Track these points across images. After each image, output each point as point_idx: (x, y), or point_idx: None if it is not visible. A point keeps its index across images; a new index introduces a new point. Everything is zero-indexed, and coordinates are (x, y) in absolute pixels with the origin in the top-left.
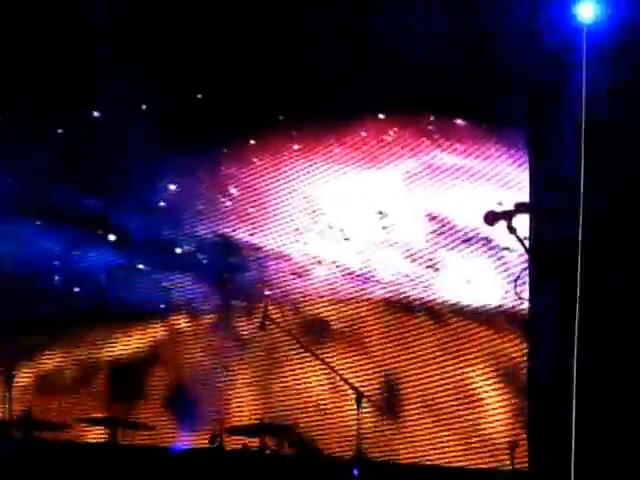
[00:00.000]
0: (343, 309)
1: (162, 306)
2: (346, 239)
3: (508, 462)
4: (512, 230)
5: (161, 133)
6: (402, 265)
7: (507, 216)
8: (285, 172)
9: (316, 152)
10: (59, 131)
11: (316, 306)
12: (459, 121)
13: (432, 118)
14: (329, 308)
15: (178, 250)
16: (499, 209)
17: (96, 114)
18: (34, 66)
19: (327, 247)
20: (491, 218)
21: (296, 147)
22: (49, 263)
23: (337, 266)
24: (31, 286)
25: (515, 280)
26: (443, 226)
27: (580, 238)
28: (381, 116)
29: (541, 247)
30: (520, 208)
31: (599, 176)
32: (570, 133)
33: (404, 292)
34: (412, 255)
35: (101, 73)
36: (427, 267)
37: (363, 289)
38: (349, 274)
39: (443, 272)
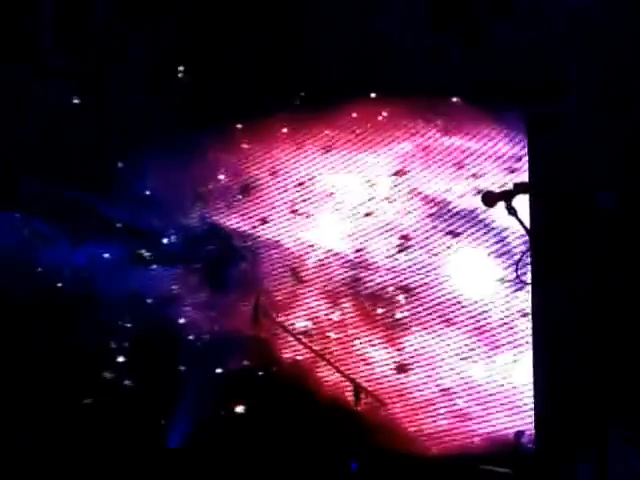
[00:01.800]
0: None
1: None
2: (340, 224)
3: None
4: (512, 211)
5: (146, 119)
6: (397, 250)
7: (506, 197)
8: (275, 156)
9: (306, 135)
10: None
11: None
12: (455, 99)
13: (426, 97)
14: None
15: (165, 240)
16: (498, 190)
17: (76, 101)
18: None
19: (320, 233)
20: (489, 199)
21: (285, 130)
22: (31, 256)
23: (332, 253)
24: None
25: (516, 264)
26: (440, 209)
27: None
28: (373, 95)
29: (541, 228)
30: (519, 188)
31: (599, 156)
32: (570, 111)
33: (400, 278)
34: (408, 240)
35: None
36: (424, 252)
37: (358, 276)
38: (344, 261)
39: (441, 257)
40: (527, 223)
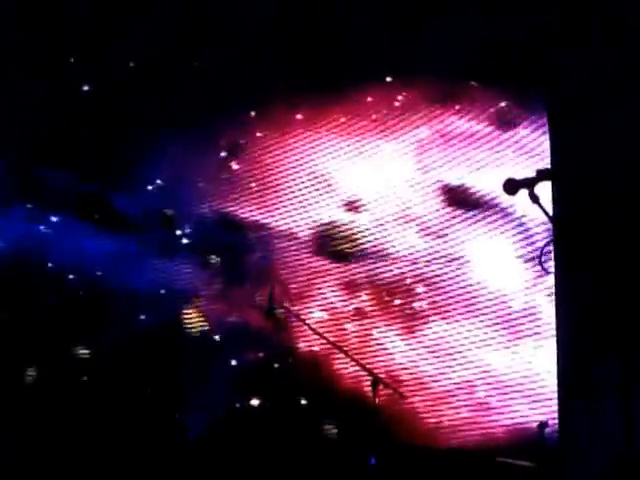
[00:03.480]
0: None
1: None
2: (357, 214)
3: None
4: (534, 199)
5: (157, 108)
6: (417, 240)
7: (529, 184)
8: (289, 144)
9: (321, 122)
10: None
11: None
12: (473, 83)
13: (443, 80)
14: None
15: (178, 232)
16: (519, 177)
17: (86, 88)
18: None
19: (337, 223)
20: (511, 186)
21: (299, 117)
22: (44, 249)
23: (349, 243)
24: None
25: (540, 253)
26: (459, 197)
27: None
28: (388, 79)
29: (565, 216)
30: (542, 175)
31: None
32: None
33: (419, 268)
34: (427, 229)
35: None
36: (443, 241)
37: (376, 265)
38: (362, 251)
39: (460, 246)
40: (550, 210)
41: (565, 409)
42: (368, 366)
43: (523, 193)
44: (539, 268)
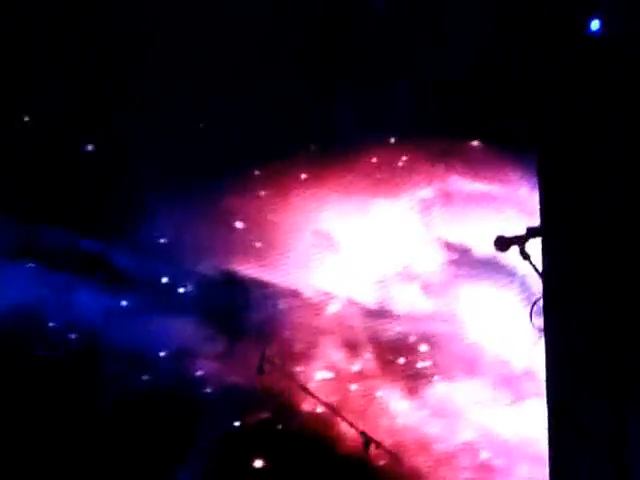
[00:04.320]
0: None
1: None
2: (359, 272)
3: None
4: (525, 256)
5: (160, 165)
6: (419, 298)
7: (519, 241)
8: (293, 203)
9: (325, 181)
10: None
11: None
12: (475, 143)
13: (446, 141)
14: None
15: (180, 290)
16: (511, 234)
17: (89, 148)
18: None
19: (340, 281)
20: (502, 244)
21: (304, 176)
22: (43, 308)
23: (351, 302)
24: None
25: (531, 308)
26: (461, 256)
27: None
28: (392, 140)
29: (554, 273)
30: (532, 232)
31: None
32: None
33: (422, 327)
34: (429, 287)
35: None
36: (446, 300)
37: (379, 325)
38: (364, 309)
39: (462, 305)
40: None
41: (556, 459)
42: (371, 427)
43: (515, 250)
44: (531, 324)
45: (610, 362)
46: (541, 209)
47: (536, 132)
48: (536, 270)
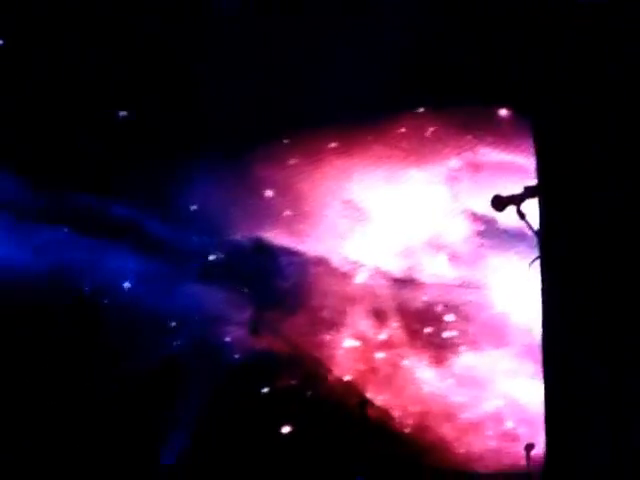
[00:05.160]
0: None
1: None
2: (387, 241)
3: None
4: (522, 215)
5: (192, 134)
6: (445, 268)
7: (516, 201)
8: (322, 172)
9: (354, 150)
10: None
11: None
12: (503, 112)
13: (474, 110)
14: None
15: (211, 257)
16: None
17: (123, 114)
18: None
19: (368, 251)
20: (499, 203)
21: (333, 145)
22: (79, 274)
23: (378, 271)
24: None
25: (529, 267)
26: (488, 226)
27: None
28: (421, 110)
29: (550, 232)
30: (529, 192)
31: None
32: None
33: (448, 296)
34: (455, 257)
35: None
36: (472, 270)
37: (406, 294)
38: (391, 279)
39: (488, 274)
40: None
41: (552, 439)
42: (397, 395)
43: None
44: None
45: (604, 317)
46: (538, 169)
47: (533, 93)
48: (532, 229)
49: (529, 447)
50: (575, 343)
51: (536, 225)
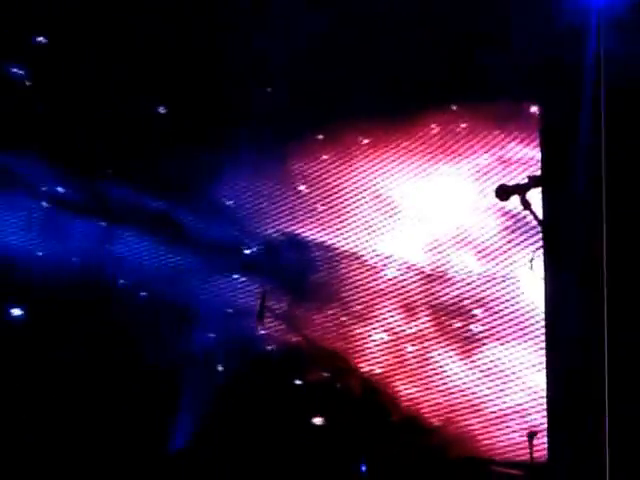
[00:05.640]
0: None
1: (229, 310)
2: (417, 236)
3: None
4: (526, 205)
5: (226, 129)
6: (474, 263)
7: (520, 190)
8: (355, 167)
9: (386, 146)
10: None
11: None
12: (533, 109)
13: (505, 106)
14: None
15: (246, 251)
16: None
17: (161, 110)
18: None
19: (398, 245)
20: (503, 192)
21: (366, 141)
22: (113, 266)
23: (408, 265)
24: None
25: (530, 261)
26: (516, 222)
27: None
28: (453, 107)
29: (555, 223)
30: (534, 181)
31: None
32: (586, 103)
33: (477, 291)
34: (484, 253)
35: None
36: (500, 265)
37: (435, 288)
38: (421, 273)
39: (516, 270)
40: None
41: (553, 439)
42: (425, 388)
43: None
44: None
45: (607, 306)
46: (542, 159)
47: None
48: (537, 219)
49: (531, 435)
50: (578, 331)
51: (540, 214)
